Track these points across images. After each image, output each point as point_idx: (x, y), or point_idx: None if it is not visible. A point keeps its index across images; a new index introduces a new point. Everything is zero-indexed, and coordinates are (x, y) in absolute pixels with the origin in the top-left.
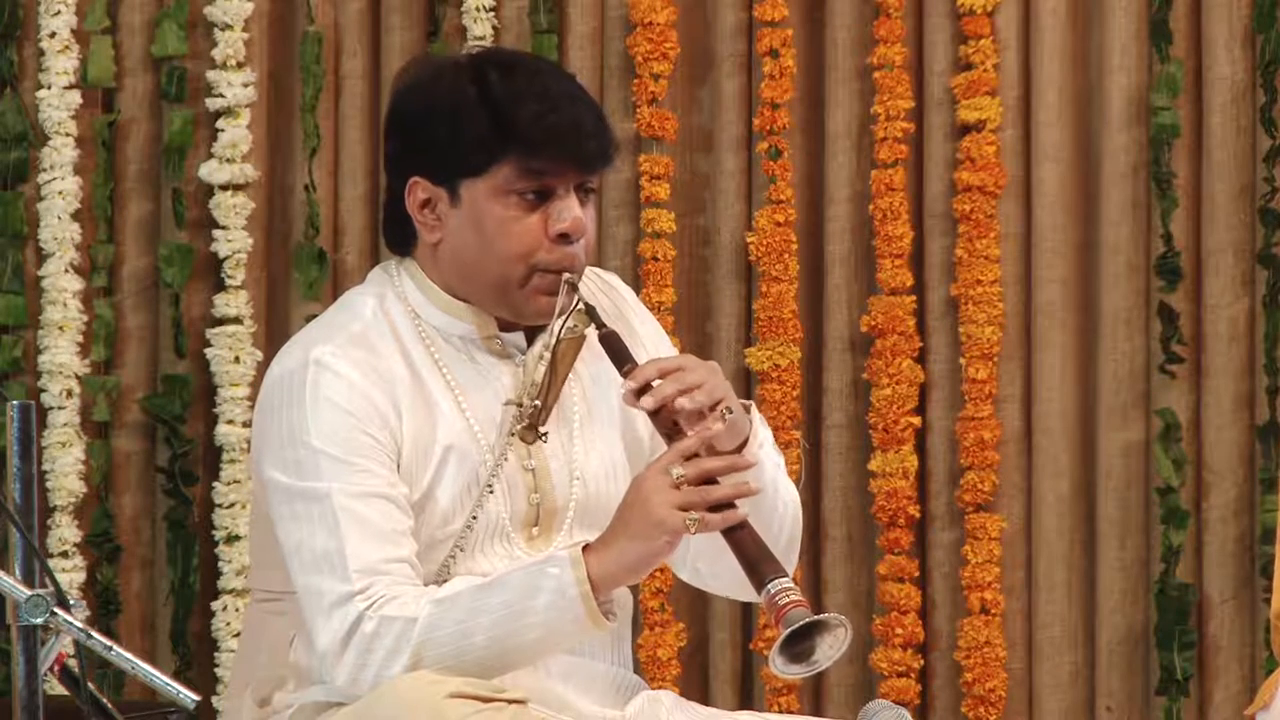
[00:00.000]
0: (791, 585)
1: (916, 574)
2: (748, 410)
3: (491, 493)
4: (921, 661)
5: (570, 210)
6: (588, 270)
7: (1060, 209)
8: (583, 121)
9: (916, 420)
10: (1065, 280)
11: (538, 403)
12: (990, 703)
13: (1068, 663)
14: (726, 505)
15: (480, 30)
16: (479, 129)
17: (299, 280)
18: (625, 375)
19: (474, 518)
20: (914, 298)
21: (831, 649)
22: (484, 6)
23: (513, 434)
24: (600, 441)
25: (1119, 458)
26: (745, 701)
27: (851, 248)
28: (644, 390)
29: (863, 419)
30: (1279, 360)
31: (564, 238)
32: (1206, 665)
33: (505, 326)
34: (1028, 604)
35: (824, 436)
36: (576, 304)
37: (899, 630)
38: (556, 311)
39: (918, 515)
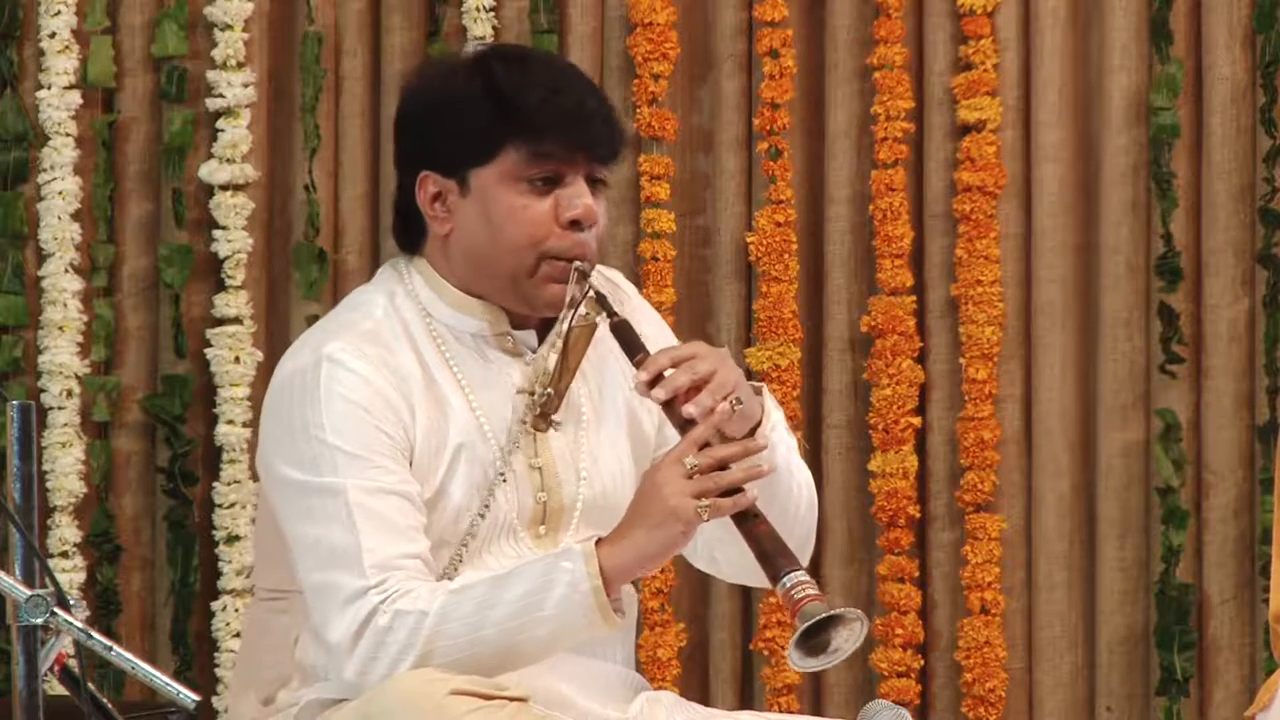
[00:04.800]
0: (808, 578)
1: (916, 574)
2: (759, 393)
3: (504, 480)
4: (921, 661)
5: (581, 197)
6: None
7: (1060, 209)
8: (589, 106)
9: (916, 420)
10: (1065, 280)
11: (550, 391)
12: (990, 703)
13: (1068, 663)
14: (737, 490)
15: (480, 30)
16: (485, 117)
17: (299, 280)
18: (637, 365)
19: (486, 507)
20: (914, 298)
21: (848, 641)
22: (484, 6)
23: (524, 422)
24: (607, 441)
25: (1119, 458)
26: (745, 701)
27: (851, 248)
28: (656, 380)
29: (863, 419)
30: (1279, 360)
31: (575, 224)
32: (1206, 665)
33: (517, 324)
34: (1028, 604)
35: (824, 436)
36: (588, 292)
37: (899, 630)
38: (567, 300)
39: (918, 515)
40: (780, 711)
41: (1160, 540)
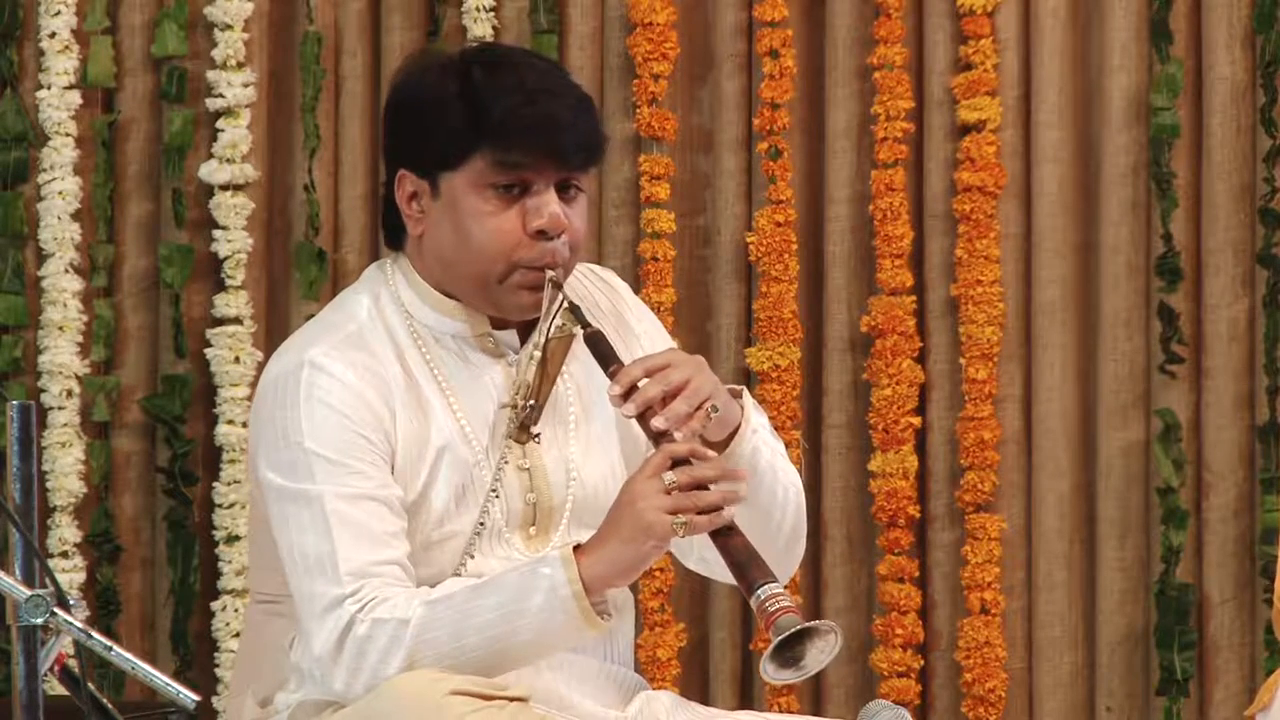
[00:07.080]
0: (781, 591)
1: (916, 574)
2: (739, 396)
3: (498, 497)
4: (921, 661)
5: (547, 206)
6: (583, 267)
7: (1060, 209)
8: (559, 116)
9: (916, 420)
10: (1065, 280)
11: (531, 403)
12: (990, 703)
13: (1068, 663)
14: (714, 508)
15: (480, 30)
16: (456, 122)
17: (299, 280)
18: (611, 376)
19: (481, 524)
20: (914, 298)
21: (821, 654)
22: (484, 6)
23: (508, 436)
24: (596, 441)
25: (1119, 458)
26: (745, 701)
27: (851, 248)
28: (630, 392)
29: (863, 419)
30: (1279, 360)
31: (542, 234)
32: (1206, 665)
33: (498, 325)
34: (1028, 604)
35: (824, 436)
36: (561, 303)
37: (899, 630)
38: (544, 310)
39: (918, 515)
40: (780, 711)
41: (1160, 540)
